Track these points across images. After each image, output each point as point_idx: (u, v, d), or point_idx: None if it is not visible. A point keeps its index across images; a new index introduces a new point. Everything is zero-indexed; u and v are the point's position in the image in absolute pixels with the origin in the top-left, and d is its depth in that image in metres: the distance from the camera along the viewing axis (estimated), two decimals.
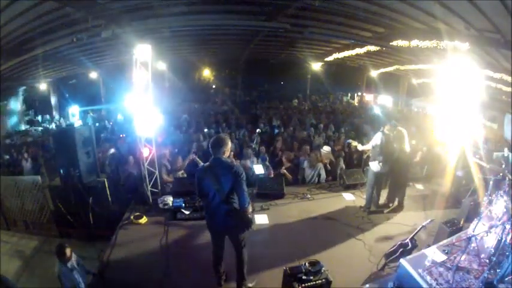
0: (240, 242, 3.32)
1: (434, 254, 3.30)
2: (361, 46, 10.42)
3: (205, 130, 9.02)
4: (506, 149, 6.68)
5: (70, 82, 16.58)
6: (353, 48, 11.09)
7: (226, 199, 3.11)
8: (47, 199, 5.44)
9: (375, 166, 5.06)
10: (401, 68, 13.91)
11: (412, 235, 3.86)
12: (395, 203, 5.38)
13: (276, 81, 22.67)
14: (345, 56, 12.53)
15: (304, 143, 7.80)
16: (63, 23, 7.11)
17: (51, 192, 5.49)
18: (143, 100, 5.11)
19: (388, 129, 4.97)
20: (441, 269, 3.13)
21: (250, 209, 3.26)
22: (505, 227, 3.05)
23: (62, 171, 5.17)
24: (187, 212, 5.00)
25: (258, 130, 5.77)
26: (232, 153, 6.27)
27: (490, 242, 3.24)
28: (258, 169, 5.29)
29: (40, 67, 10.76)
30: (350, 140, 6.03)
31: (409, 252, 3.68)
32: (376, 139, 5.06)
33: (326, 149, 6.65)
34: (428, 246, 3.65)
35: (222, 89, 22.88)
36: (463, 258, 3.08)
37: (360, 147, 5.55)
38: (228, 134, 3.36)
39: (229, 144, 3.23)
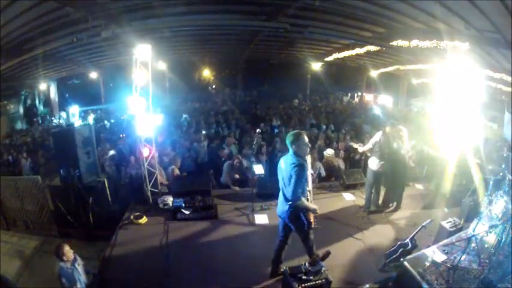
0: (300, 234, 3.48)
1: (434, 254, 3.31)
2: (361, 46, 10.42)
3: (203, 132, 8.97)
4: (506, 149, 6.67)
5: (70, 82, 16.60)
6: (353, 48, 11.09)
7: (285, 191, 3.31)
8: (47, 199, 5.43)
9: (373, 164, 5.07)
10: (401, 68, 13.91)
11: (412, 235, 3.86)
12: (395, 203, 5.38)
13: (276, 81, 22.64)
14: (345, 56, 12.53)
15: None
16: (63, 23, 7.12)
17: (51, 192, 5.48)
18: (143, 100, 5.12)
19: (389, 129, 4.98)
20: (441, 269, 3.13)
21: (305, 205, 3.30)
22: (505, 227, 3.05)
23: (62, 171, 5.17)
24: (187, 212, 5.00)
25: (258, 130, 5.77)
26: (239, 157, 6.27)
27: (490, 242, 3.24)
28: (258, 169, 5.29)
29: (40, 67, 10.76)
30: (351, 143, 6.05)
31: (409, 252, 3.68)
32: (376, 137, 5.08)
33: (329, 152, 6.64)
34: (428, 246, 3.65)
35: (222, 89, 22.89)
36: (463, 258, 3.08)
37: (361, 149, 5.55)
38: (303, 132, 3.47)
39: (301, 141, 3.26)
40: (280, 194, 3.46)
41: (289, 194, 3.21)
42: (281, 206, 3.45)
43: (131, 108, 5.29)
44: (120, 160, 6.99)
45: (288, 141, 3.31)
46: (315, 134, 9.11)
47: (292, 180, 3.16)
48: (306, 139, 3.30)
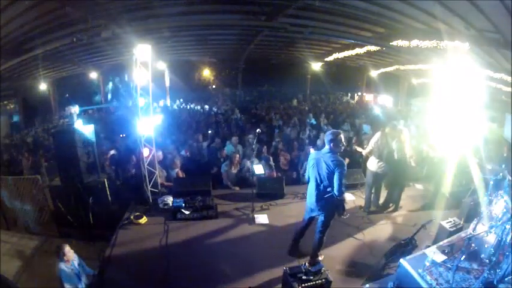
0: (323, 224, 3.69)
1: (434, 254, 3.30)
2: (361, 46, 10.42)
3: (209, 131, 9.00)
4: (505, 149, 6.68)
5: (70, 82, 16.60)
6: (353, 48, 11.09)
7: (322, 184, 3.56)
8: (47, 199, 5.44)
9: (372, 165, 5.06)
10: (401, 68, 13.90)
11: (412, 235, 3.86)
12: (394, 203, 5.38)
13: (276, 81, 22.66)
14: (345, 56, 12.52)
15: (304, 142, 7.80)
16: (63, 23, 7.11)
17: (51, 192, 5.49)
18: (143, 100, 5.12)
19: (389, 130, 4.97)
20: (441, 269, 3.13)
21: (345, 197, 3.68)
22: (505, 227, 3.05)
23: (61, 171, 5.17)
24: (187, 212, 5.00)
25: (258, 130, 5.78)
26: (238, 155, 6.29)
27: (490, 242, 3.24)
28: (258, 169, 5.30)
29: (40, 67, 10.76)
30: (355, 146, 6.05)
31: (409, 252, 3.69)
32: (374, 138, 5.08)
33: None
34: (428, 246, 3.65)
35: (222, 89, 22.88)
36: (463, 258, 3.08)
37: (364, 152, 5.54)
38: (341, 132, 3.75)
39: (339, 140, 3.53)
40: (312, 187, 3.67)
41: (335, 189, 3.45)
42: (314, 198, 3.67)
43: (131, 108, 5.29)
44: (119, 160, 6.98)
45: (326, 139, 3.56)
46: (315, 134, 9.11)
47: (337, 177, 3.43)
48: (343, 138, 3.60)
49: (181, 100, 18.52)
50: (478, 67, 7.98)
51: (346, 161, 6.74)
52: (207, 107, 15.61)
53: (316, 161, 3.62)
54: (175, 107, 17.05)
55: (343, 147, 3.60)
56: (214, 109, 13.44)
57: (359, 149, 5.75)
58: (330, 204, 3.61)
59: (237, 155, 6.24)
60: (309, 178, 3.77)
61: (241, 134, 9.30)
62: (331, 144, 3.51)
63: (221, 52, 15.79)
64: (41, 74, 12.15)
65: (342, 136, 3.57)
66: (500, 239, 3.08)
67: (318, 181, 3.61)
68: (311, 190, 3.72)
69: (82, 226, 5.11)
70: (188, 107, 16.67)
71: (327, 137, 3.59)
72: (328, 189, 3.53)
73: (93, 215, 5.07)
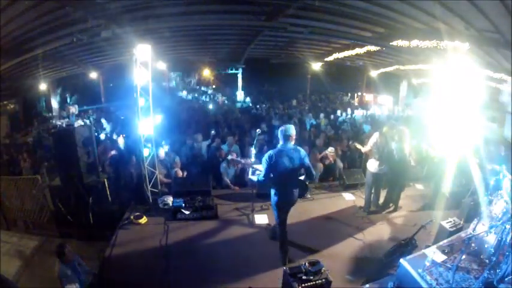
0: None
1: (434, 254, 3.31)
2: (361, 46, 10.40)
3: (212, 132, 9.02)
4: (503, 148, 6.69)
5: (70, 82, 16.60)
6: (353, 48, 11.07)
7: (291, 177, 3.74)
8: (47, 199, 5.44)
9: (371, 165, 5.06)
10: (402, 68, 13.89)
11: (412, 235, 3.86)
12: (394, 203, 5.38)
13: (276, 81, 22.67)
14: (345, 56, 12.50)
15: (304, 143, 7.79)
16: (63, 23, 7.11)
17: (51, 192, 5.49)
18: (143, 100, 5.12)
19: (387, 130, 4.97)
20: (441, 269, 3.13)
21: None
22: (505, 227, 3.05)
23: (61, 171, 5.17)
24: (187, 212, 5.00)
25: (258, 130, 5.79)
26: (235, 153, 6.30)
27: (490, 242, 3.24)
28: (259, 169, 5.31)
29: (40, 67, 10.74)
30: (355, 143, 6.08)
31: (409, 252, 3.69)
32: (373, 138, 5.08)
33: (330, 150, 6.69)
34: (428, 246, 3.66)
35: (222, 89, 22.87)
36: (463, 258, 3.08)
37: (363, 149, 5.56)
38: (290, 126, 3.88)
39: (289, 133, 3.71)
40: (280, 184, 3.78)
41: (311, 173, 3.84)
42: (290, 193, 3.83)
43: (131, 108, 5.30)
44: (119, 160, 6.97)
45: (280, 135, 3.73)
46: (315, 134, 9.11)
47: (308, 162, 3.77)
48: (294, 131, 3.77)
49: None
50: (478, 67, 7.98)
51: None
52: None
53: (275, 158, 3.66)
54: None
55: (295, 138, 3.76)
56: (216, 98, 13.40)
57: (358, 146, 5.77)
58: (301, 191, 3.99)
59: (234, 154, 6.26)
60: (266, 179, 3.80)
61: (241, 134, 9.31)
62: (285, 139, 3.68)
63: (221, 52, 15.79)
64: (41, 74, 12.13)
65: (293, 129, 3.73)
66: (500, 239, 3.08)
67: (287, 176, 3.69)
68: (282, 188, 3.79)
69: (82, 226, 5.11)
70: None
71: (280, 132, 3.72)
72: (298, 179, 3.81)
73: (93, 215, 5.08)
